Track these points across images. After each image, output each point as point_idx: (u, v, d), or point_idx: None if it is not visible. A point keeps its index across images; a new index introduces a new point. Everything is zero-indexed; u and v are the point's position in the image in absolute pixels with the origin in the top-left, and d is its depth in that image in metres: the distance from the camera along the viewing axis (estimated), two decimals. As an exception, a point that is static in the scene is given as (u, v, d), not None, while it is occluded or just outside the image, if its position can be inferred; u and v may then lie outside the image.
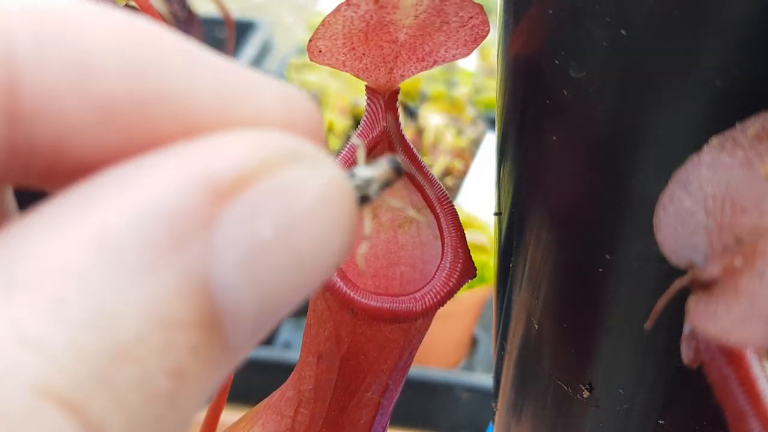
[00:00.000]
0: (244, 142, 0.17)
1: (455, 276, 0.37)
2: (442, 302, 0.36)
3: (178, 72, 0.18)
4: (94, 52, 0.17)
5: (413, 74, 0.37)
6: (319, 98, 1.69)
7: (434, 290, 0.37)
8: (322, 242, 0.18)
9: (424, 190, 0.40)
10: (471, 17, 0.34)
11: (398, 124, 0.39)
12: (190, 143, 0.17)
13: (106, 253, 0.15)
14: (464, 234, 0.38)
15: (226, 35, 1.39)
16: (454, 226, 0.38)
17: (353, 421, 0.41)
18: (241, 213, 0.17)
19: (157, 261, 0.16)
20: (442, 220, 0.39)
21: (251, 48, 2.01)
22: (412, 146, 0.39)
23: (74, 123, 0.16)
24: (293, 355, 1.20)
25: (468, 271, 0.37)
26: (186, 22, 1.25)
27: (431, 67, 0.37)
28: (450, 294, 0.37)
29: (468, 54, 0.36)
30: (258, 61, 2.04)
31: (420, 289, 0.37)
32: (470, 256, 0.38)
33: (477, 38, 0.35)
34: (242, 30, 2.02)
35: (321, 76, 1.79)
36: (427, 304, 0.36)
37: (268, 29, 2.17)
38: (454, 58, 0.37)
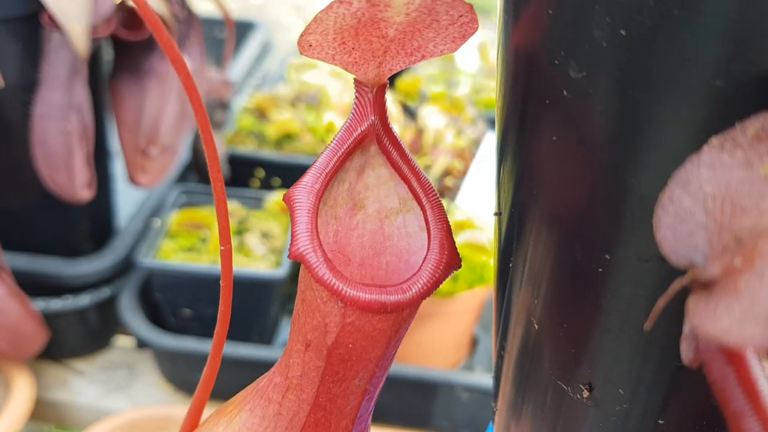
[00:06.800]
0: None
1: (441, 267, 0.38)
2: (428, 292, 0.38)
3: None
4: None
5: (401, 68, 0.38)
6: (319, 98, 1.69)
7: (421, 281, 0.38)
8: None
9: (411, 182, 0.40)
10: (461, 15, 0.35)
11: (386, 117, 0.39)
12: None
13: None
14: (449, 226, 0.39)
15: (226, 35, 1.39)
16: (439, 218, 0.39)
17: (340, 407, 0.42)
18: None
19: None
20: (428, 212, 0.39)
21: (251, 48, 2.01)
22: (399, 138, 0.40)
23: None
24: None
25: (453, 263, 0.38)
26: (186, 22, 1.25)
27: (419, 61, 0.38)
28: (436, 284, 0.38)
29: (456, 50, 0.37)
30: (258, 61, 2.04)
31: (407, 280, 0.38)
32: (455, 248, 0.39)
33: (465, 35, 0.36)
34: (242, 30, 2.02)
35: (321, 76, 1.79)
36: (415, 294, 0.37)
37: (267, 29, 2.16)
38: (442, 53, 0.37)
